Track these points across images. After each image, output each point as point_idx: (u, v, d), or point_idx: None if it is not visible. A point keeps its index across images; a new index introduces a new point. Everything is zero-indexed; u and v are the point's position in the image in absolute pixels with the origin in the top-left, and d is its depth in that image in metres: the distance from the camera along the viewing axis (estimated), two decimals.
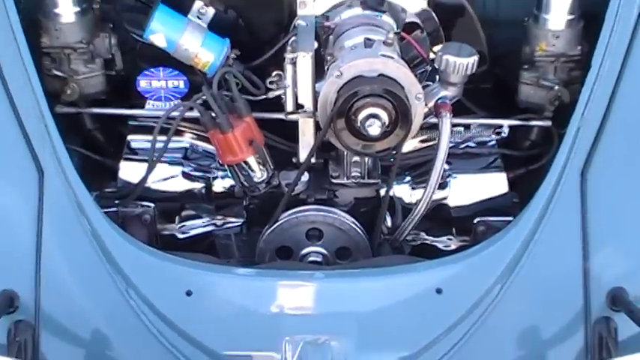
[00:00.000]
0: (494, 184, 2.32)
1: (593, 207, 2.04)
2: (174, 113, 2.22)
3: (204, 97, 2.17)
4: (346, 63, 2.04)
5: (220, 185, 2.31)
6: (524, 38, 2.33)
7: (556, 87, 2.29)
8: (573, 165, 2.06)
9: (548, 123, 2.31)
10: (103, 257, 1.97)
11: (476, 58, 2.15)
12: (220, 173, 2.32)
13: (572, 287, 2.00)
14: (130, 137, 2.34)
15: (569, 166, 2.06)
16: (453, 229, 2.32)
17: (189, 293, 1.95)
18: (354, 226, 2.21)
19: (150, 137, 2.28)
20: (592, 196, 2.05)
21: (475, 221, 2.28)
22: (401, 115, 2.02)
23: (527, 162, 2.37)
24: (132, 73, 2.35)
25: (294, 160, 2.26)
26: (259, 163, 2.20)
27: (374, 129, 2.00)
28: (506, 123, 2.32)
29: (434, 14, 2.34)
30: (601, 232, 2.04)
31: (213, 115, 2.15)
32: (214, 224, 2.31)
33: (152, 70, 2.29)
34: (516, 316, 2.02)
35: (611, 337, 1.96)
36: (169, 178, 2.30)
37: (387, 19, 2.28)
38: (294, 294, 2.02)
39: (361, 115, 2.00)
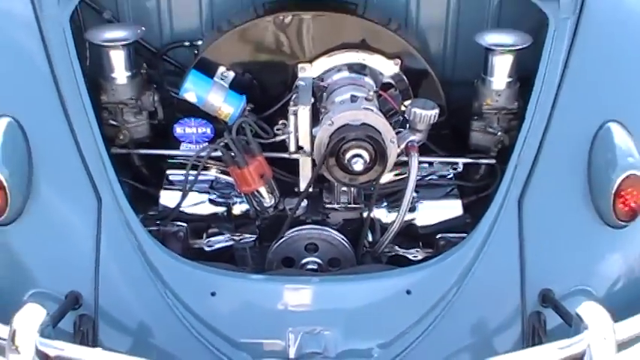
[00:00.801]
0: (452, 208, 2.34)
1: (527, 227, 2.09)
2: (203, 153, 2.26)
3: (225, 141, 2.19)
4: (336, 114, 2.11)
5: (238, 209, 2.32)
6: (474, 95, 2.36)
7: (499, 133, 2.33)
8: (512, 194, 2.11)
9: (493, 161, 2.34)
10: (146, 266, 2.01)
11: (437, 110, 2.24)
12: (238, 200, 2.33)
13: (512, 289, 2.04)
14: (168, 172, 2.35)
15: (508, 195, 2.11)
16: (420, 243, 2.33)
17: (213, 294, 2.00)
18: (342, 241, 2.23)
19: (184, 172, 2.28)
20: (527, 219, 2.09)
21: (437, 237, 2.31)
22: (379, 154, 2.08)
23: (477, 191, 2.38)
24: (170, 122, 2.37)
25: (295, 189, 2.29)
26: (268, 192, 2.26)
27: (358, 165, 2.07)
28: (460, 161, 2.37)
29: (404, 76, 2.37)
30: (534, 246, 2.08)
31: (233, 154, 2.18)
32: (233, 239, 2.30)
33: (186, 119, 2.34)
34: (469, 312, 2.05)
35: (542, 327, 2.01)
36: (199, 204, 2.31)
37: (368, 80, 2.35)
38: (296, 294, 2.06)
39: (348, 155, 2.07)
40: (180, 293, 2.02)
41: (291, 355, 1.93)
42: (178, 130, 2.33)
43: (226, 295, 2.03)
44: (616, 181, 2.06)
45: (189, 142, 2.37)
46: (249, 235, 2.31)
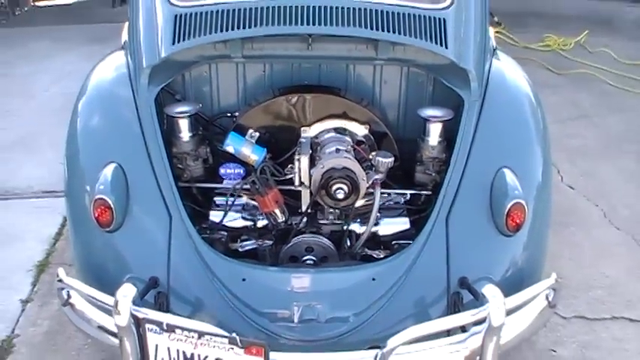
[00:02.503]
0: (402, 223, 2.30)
1: (452, 236, 2.08)
2: (238, 186, 2.25)
3: (253, 178, 2.19)
4: (326, 161, 2.12)
5: (261, 223, 2.28)
6: (417, 149, 2.33)
7: (433, 174, 2.30)
8: (442, 214, 2.10)
9: (430, 192, 2.32)
10: (201, 261, 2.02)
11: (393, 159, 2.22)
12: (260, 217, 2.28)
13: (441, 276, 2.04)
14: (215, 198, 2.32)
15: (439, 215, 2.10)
16: (382, 247, 2.29)
17: (244, 279, 2.02)
18: (330, 245, 2.22)
19: (225, 198, 2.27)
20: (451, 231, 2.09)
21: (392, 243, 2.28)
22: (354, 188, 2.10)
23: (418, 212, 2.32)
24: (216, 165, 2.35)
25: (298, 210, 2.27)
26: (281, 212, 2.23)
27: (340, 195, 2.11)
28: (408, 192, 2.35)
29: (371, 136, 2.36)
30: (455, 248, 2.07)
31: (257, 187, 2.18)
32: (257, 244, 2.26)
33: (226, 163, 2.29)
34: (413, 292, 2.04)
35: (460, 302, 2.00)
36: (235, 220, 2.29)
37: (347, 138, 2.31)
38: (299, 280, 2.04)
39: (334, 188, 2.10)
40: (222, 278, 2.01)
41: (295, 320, 1.95)
42: (222, 170, 2.30)
43: (253, 280, 2.03)
44: (507, 206, 2.05)
45: (229, 179, 2.30)
46: (268, 241, 2.27)
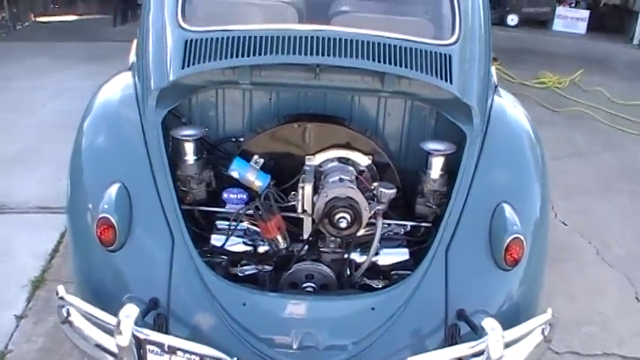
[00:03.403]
0: (402, 254, 2.30)
1: (451, 268, 2.10)
2: (241, 211, 2.25)
3: (256, 204, 2.20)
4: (330, 190, 2.13)
5: (262, 249, 2.28)
6: (418, 181, 2.36)
7: (434, 207, 2.32)
8: (441, 247, 2.12)
9: (430, 224, 2.34)
10: (201, 283, 2.02)
11: (395, 190, 2.24)
12: (261, 243, 2.27)
13: (439, 308, 2.05)
14: (217, 222, 2.31)
15: (439, 248, 2.12)
16: (381, 277, 2.28)
17: (244, 304, 2.02)
18: (330, 273, 2.22)
19: (227, 222, 2.27)
20: (450, 263, 2.11)
21: (392, 273, 2.27)
22: (357, 217, 2.10)
23: (419, 243, 2.33)
24: (219, 189, 2.36)
25: (300, 237, 2.26)
26: (283, 238, 2.23)
27: (343, 224, 2.10)
28: (408, 224, 2.36)
29: (374, 167, 2.37)
30: (454, 280, 2.09)
31: (260, 213, 2.18)
32: (257, 269, 2.25)
33: (230, 188, 2.30)
34: (411, 322, 2.05)
35: (457, 334, 2.02)
36: (236, 244, 2.28)
37: (350, 168, 2.33)
38: (298, 307, 2.06)
39: (337, 216, 2.10)
40: (223, 302, 2.01)
41: (294, 346, 1.96)
42: (225, 195, 2.30)
43: (253, 305, 2.03)
44: (506, 240, 2.07)
45: (232, 204, 2.31)
46: (268, 267, 2.27)
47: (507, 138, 2.41)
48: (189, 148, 2.29)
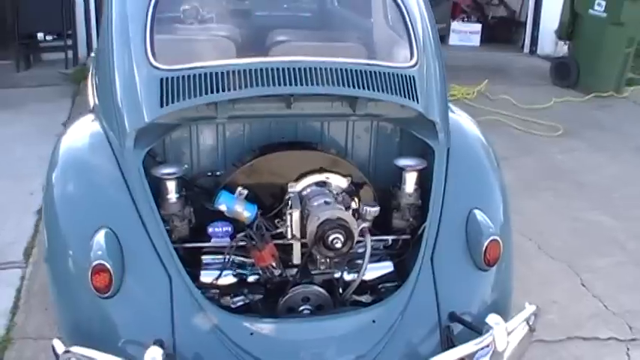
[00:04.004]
0: (387, 267, 2.40)
1: (437, 274, 2.25)
2: (234, 243, 2.26)
3: (249, 234, 2.23)
4: (320, 213, 2.17)
5: (251, 278, 2.31)
6: (393, 196, 2.47)
7: (411, 220, 2.43)
8: (427, 255, 2.26)
9: (409, 237, 2.44)
10: (206, 319, 2.06)
11: (378, 207, 2.37)
12: (251, 272, 2.31)
13: (432, 312, 2.18)
14: (203, 257, 2.30)
15: (425, 256, 2.26)
16: (368, 291, 2.36)
17: (252, 333, 2.07)
18: (324, 293, 2.29)
19: (214, 256, 2.30)
20: (436, 269, 2.26)
21: (379, 286, 2.37)
22: (349, 236, 2.16)
23: (399, 256, 2.43)
24: (198, 224, 2.36)
25: (289, 263, 2.32)
26: (277, 265, 2.28)
27: (338, 244, 2.15)
28: (390, 238, 2.45)
29: (352, 186, 2.44)
30: (442, 285, 2.23)
31: (254, 242, 2.23)
32: (249, 298, 2.28)
33: (215, 222, 2.31)
34: (409, 329, 2.17)
35: (451, 335, 2.16)
36: (225, 276, 2.28)
37: (329, 190, 2.37)
38: (306, 329, 2.16)
39: (331, 237, 2.14)
40: (230, 334, 2.05)
41: None
42: (210, 229, 2.31)
43: (260, 334, 2.09)
44: (484, 243, 2.25)
45: (217, 237, 2.32)
46: (258, 295, 2.31)
47: (468, 149, 2.62)
48: (171, 186, 2.30)
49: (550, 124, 5.98)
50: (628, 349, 2.93)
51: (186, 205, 2.35)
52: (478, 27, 9.79)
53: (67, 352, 1.93)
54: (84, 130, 2.54)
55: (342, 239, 2.17)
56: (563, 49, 8.19)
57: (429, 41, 2.61)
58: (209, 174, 2.51)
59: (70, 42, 6.56)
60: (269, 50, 2.86)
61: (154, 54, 2.32)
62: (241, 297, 2.33)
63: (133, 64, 2.34)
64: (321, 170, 2.42)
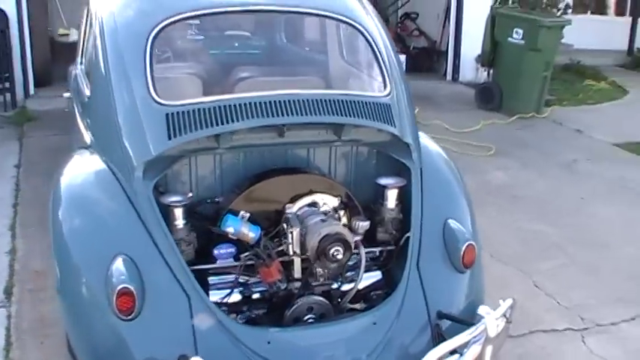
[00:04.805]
0: (376, 276, 2.68)
1: (424, 277, 2.54)
2: (242, 262, 2.46)
3: (255, 252, 2.44)
4: (321, 229, 2.40)
5: (256, 295, 2.54)
6: (377, 212, 2.72)
7: (394, 232, 2.70)
8: (413, 262, 2.56)
9: (393, 247, 2.70)
10: (226, 333, 2.26)
11: (368, 222, 2.63)
12: (255, 290, 2.53)
13: (422, 312, 2.48)
14: (209, 278, 2.48)
15: (412, 263, 2.55)
16: (362, 300, 2.61)
17: (269, 342, 2.29)
18: (326, 302, 2.52)
19: (220, 277, 2.50)
20: (423, 273, 2.55)
21: (371, 294, 2.65)
22: (347, 248, 2.41)
23: (385, 265, 2.71)
24: (209, 246, 2.53)
25: (290, 277, 2.53)
26: (283, 280, 2.49)
27: (339, 256, 2.39)
28: (377, 250, 2.72)
29: (342, 205, 2.67)
30: (429, 288, 2.52)
31: (261, 260, 2.43)
32: (254, 314, 2.50)
33: (220, 245, 2.50)
34: (405, 328, 2.45)
35: (440, 330, 2.46)
36: (233, 294, 2.50)
37: (323, 209, 2.62)
38: (318, 335, 2.40)
39: (332, 250, 2.38)
40: (249, 344, 2.27)
41: None
42: (215, 251, 2.49)
43: (277, 342, 2.32)
44: (462, 248, 2.59)
45: (222, 259, 2.50)
46: (261, 310, 2.54)
47: (435, 166, 2.96)
48: (178, 213, 2.48)
49: (482, 144, 6.51)
50: (583, 337, 3.33)
51: (192, 230, 2.53)
52: (402, 57, 10.38)
53: None
54: (85, 166, 2.70)
55: (342, 251, 2.43)
56: (483, 75, 8.85)
57: (397, 72, 2.96)
58: (208, 201, 2.69)
59: (7, 84, 6.50)
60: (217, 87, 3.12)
61: (156, 91, 2.54)
62: (246, 313, 2.54)
63: (136, 100, 2.54)
64: (311, 192, 2.66)
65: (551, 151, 6.59)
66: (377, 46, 2.96)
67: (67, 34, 8.94)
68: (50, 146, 5.39)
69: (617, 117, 8.17)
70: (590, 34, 10.96)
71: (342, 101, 2.63)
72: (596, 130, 7.41)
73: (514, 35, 7.54)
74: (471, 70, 9.49)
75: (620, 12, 13.35)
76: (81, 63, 3.62)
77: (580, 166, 6.20)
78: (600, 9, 13.50)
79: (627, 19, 12.66)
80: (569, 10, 10.29)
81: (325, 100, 2.60)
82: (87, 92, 3.05)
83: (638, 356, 3.20)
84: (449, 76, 9.88)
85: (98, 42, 2.84)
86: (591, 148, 6.82)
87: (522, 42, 7.50)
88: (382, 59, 2.93)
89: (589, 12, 13.07)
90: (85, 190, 2.61)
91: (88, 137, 2.91)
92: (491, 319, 2.29)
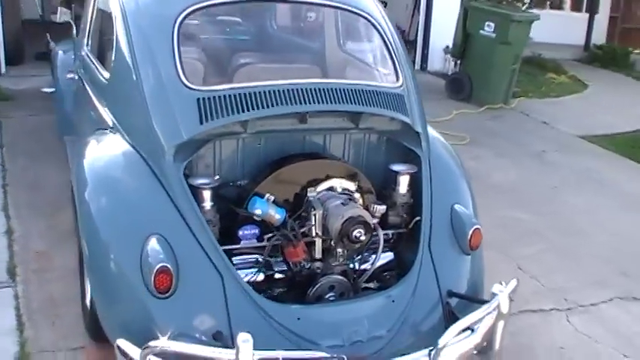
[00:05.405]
0: (388, 257, 2.85)
1: (435, 258, 2.71)
2: (270, 242, 2.60)
3: (284, 233, 2.57)
4: (344, 212, 2.54)
5: (278, 275, 2.69)
6: (389, 197, 2.87)
7: (404, 216, 2.85)
8: (425, 243, 2.72)
9: (404, 230, 2.86)
10: (258, 310, 2.39)
11: (385, 206, 2.80)
12: (277, 269, 2.67)
13: (435, 291, 2.65)
14: (233, 259, 2.57)
15: (423, 244, 2.72)
16: (375, 280, 2.77)
17: (299, 318, 2.44)
18: (346, 281, 2.66)
19: (241, 257, 2.65)
20: (434, 255, 2.72)
21: (384, 274, 2.82)
22: (367, 230, 2.55)
23: (395, 247, 2.86)
24: (231, 228, 2.63)
25: (311, 257, 2.66)
26: (308, 259, 2.64)
27: (362, 237, 2.54)
28: (390, 232, 2.85)
29: (359, 189, 2.81)
30: (440, 268, 2.70)
31: (289, 240, 2.56)
32: (276, 292, 2.62)
33: (244, 226, 2.62)
34: (420, 306, 2.62)
35: (451, 308, 2.64)
36: (258, 274, 2.64)
37: (344, 193, 2.76)
38: (342, 312, 2.54)
39: (355, 232, 2.52)
40: (280, 321, 2.40)
41: (347, 344, 2.44)
42: (240, 232, 2.61)
43: (306, 318, 2.45)
44: (469, 232, 2.77)
45: (246, 239, 2.63)
46: (282, 289, 2.68)
47: (441, 154, 3.16)
48: (206, 195, 2.58)
49: (456, 134, 6.77)
50: (567, 316, 3.61)
51: (217, 212, 2.64)
52: None
53: (146, 347, 2.16)
54: (109, 147, 2.79)
55: (364, 232, 2.58)
56: (451, 65, 9.14)
57: (407, 65, 3.14)
58: (231, 184, 2.80)
59: None
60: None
61: (185, 75, 2.63)
62: (268, 292, 2.66)
63: (166, 85, 2.63)
64: (330, 177, 2.80)
65: (521, 142, 6.92)
66: (389, 40, 3.13)
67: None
68: (31, 126, 5.38)
69: (578, 110, 8.60)
70: (549, 29, 11.38)
71: (362, 91, 2.79)
72: (560, 122, 7.80)
73: (486, 28, 7.83)
74: (439, 60, 9.76)
75: (577, 8, 13.93)
76: (87, 45, 3.65)
77: (549, 156, 6.55)
78: (559, 4, 14.05)
79: (584, 15, 13.22)
80: (532, 5, 10.72)
81: (347, 90, 2.76)
82: (105, 74, 3.10)
83: (617, 334, 3.49)
84: (417, 66, 10.11)
85: (118, 25, 2.91)
86: (558, 139, 7.19)
87: (493, 35, 7.80)
88: (394, 52, 3.10)
89: (548, 7, 13.58)
90: (113, 171, 2.69)
91: (108, 119, 2.98)
92: (504, 297, 2.50)
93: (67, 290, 3.27)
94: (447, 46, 9.20)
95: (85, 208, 2.62)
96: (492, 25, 7.76)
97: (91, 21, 3.62)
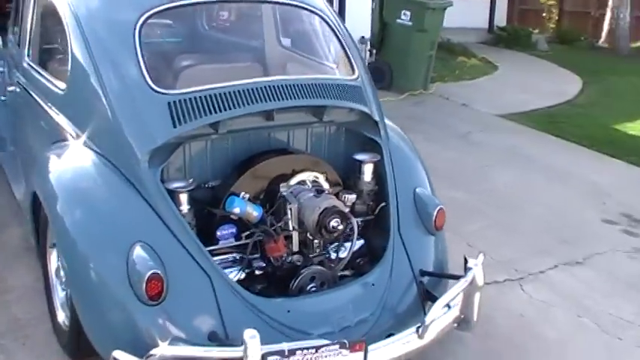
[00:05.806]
0: (359, 244, 2.90)
1: (405, 240, 2.86)
2: (251, 240, 2.65)
3: (264, 229, 2.64)
4: (320, 203, 2.62)
5: (258, 271, 2.71)
6: (354, 186, 2.98)
7: (370, 203, 2.96)
8: (395, 229, 2.85)
9: (372, 217, 2.97)
10: (250, 307, 2.46)
11: (355, 195, 2.92)
12: (257, 266, 2.70)
13: (408, 271, 2.80)
14: (214, 259, 2.54)
15: (393, 230, 2.85)
16: (350, 267, 2.85)
17: (289, 311, 2.53)
18: (326, 270, 2.74)
19: (220, 257, 2.67)
20: (405, 238, 2.87)
21: (357, 260, 2.90)
22: (343, 219, 2.65)
23: (364, 234, 2.93)
24: (206, 229, 2.66)
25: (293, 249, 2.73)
26: (289, 253, 2.71)
27: (340, 227, 2.64)
28: (360, 219, 2.91)
29: (327, 181, 2.90)
30: (410, 250, 2.84)
31: (269, 235, 2.63)
32: (258, 287, 2.65)
33: (222, 226, 2.66)
34: (397, 287, 2.75)
35: (424, 287, 2.80)
36: (239, 272, 2.66)
37: (314, 186, 2.83)
38: (329, 301, 2.63)
39: (332, 222, 2.61)
40: (271, 315, 2.48)
41: (337, 330, 2.54)
42: (218, 232, 2.65)
43: (296, 310, 2.54)
44: (433, 213, 2.96)
45: (224, 239, 2.67)
46: (262, 284, 2.72)
47: (397, 141, 3.32)
48: (183, 198, 2.61)
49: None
50: (521, 285, 3.88)
51: (193, 214, 2.67)
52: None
53: (149, 356, 2.20)
54: (76, 159, 2.75)
55: (340, 221, 2.69)
56: (367, 55, 9.38)
57: (359, 58, 3.29)
58: (205, 185, 2.83)
59: None
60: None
61: (152, 79, 2.65)
62: (250, 288, 2.67)
63: (133, 90, 2.64)
64: (300, 170, 2.88)
65: (446, 125, 7.27)
66: (342, 35, 3.27)
67: None
68: None
69: (493, 90, 9.11)
70: (454, 13, 11.90)
71: (325, 85, 2.91)
72: (478, 103, 8.23)
73: (402, 17, 8.14)
74: None
75: None
76: (27, 55, 3.54)
77: (474, 137, 6.92)
78: None
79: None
80: None
81: (311, 85, 2.86)
82: (60, 84, 3.03)
83: (569, 297, 3.78)
84: None
85: (72, 33, 2.88)
86: (479, 119, 7.60)
87: (410, 23, 8.12)
88: (347, 46, 3.24)
89: None
90: (84, 182, 2.66)
91: (67, 130, 2.92)
92: (479, 270, 2.70)
93: (30, 309, 3.20)
94: (363, 37, 9.42)
95: (59, 224, 2.59)
96: (409, 13, 8.06)
97: (30, 30, 3.51)
